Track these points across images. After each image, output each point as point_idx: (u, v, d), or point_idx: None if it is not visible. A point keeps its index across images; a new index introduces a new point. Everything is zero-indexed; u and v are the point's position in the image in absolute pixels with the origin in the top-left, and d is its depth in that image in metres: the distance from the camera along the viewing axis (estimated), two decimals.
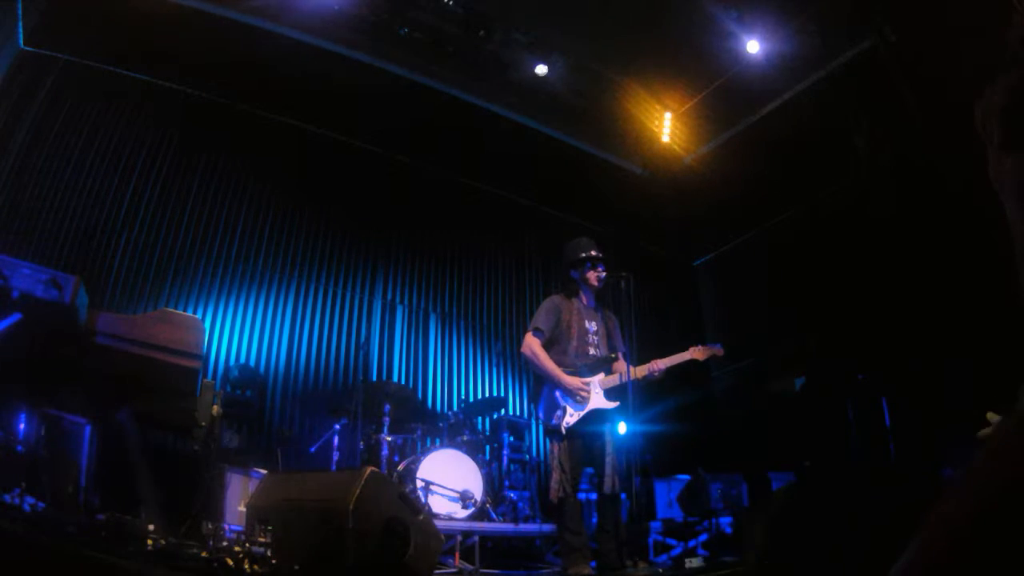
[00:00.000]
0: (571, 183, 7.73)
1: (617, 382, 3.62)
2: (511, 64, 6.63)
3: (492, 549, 4.68)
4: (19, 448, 3.04)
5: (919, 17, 5.43)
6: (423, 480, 4.44)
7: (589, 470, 3.82)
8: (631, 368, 3.62)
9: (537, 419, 3.92)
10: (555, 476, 3.55)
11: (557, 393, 3.66)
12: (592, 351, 3.79)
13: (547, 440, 4.17)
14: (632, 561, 3.60)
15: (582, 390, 3.60)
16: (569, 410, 3.61)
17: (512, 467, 5.43)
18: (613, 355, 3.80)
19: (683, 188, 8.18)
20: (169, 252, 5.47)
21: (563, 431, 3.58)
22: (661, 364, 3.67)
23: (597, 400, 3.63)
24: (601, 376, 3.69)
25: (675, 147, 7.91)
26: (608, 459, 3.58)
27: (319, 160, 6.41)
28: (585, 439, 3.61)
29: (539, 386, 3.79)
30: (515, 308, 7.30)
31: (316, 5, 5.90)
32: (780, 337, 6.60)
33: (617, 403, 3.62)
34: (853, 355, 5.22)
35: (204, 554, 2.94)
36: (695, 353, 3.74)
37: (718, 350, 3.78)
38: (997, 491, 0.80)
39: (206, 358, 5.21)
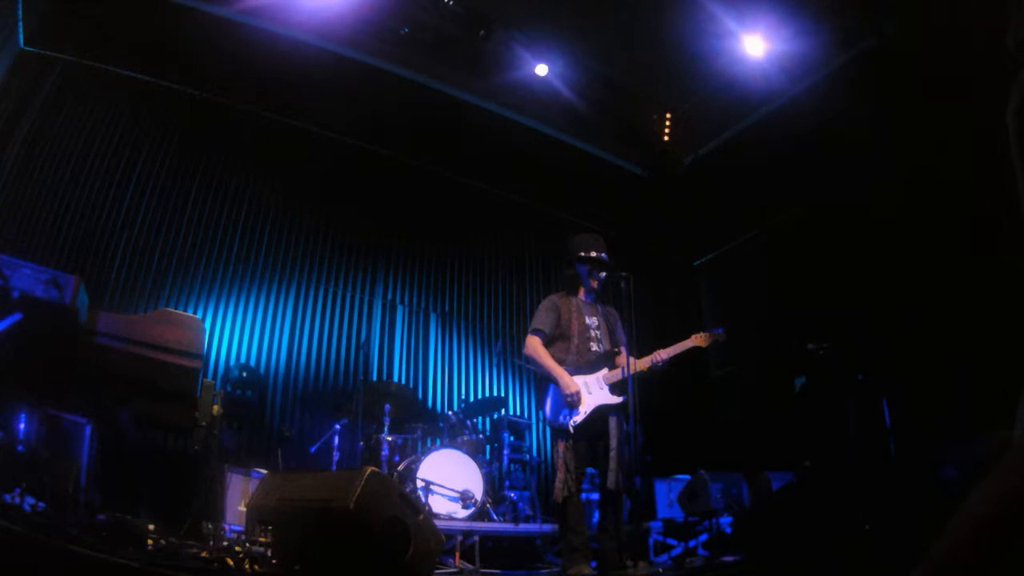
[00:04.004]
0: (571, 183, 7.73)
1: (620, 376, 3.61)
2: (511, 64, 6.63)
3: (492, 549, 4.67)
4: (19, 448, 3.04)
5: (920, 17, 5.43)
6: (423, 480, 4.44)
7: (590, 470, 3.82)
8: (634, 361, 3.61)
9: (543, 419, 3.90)
10: (560, 475, 3.54)
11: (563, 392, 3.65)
12: (594, 346, 3.78)
13: (551, 439, 4.16)
14: (632, 561, 3.59)
15: (574, 396, 3.58)
16: (573, 409, 3.61)
17: (512, 467, 5.43)
18: (616, 349, 3.80)
19: (683, 188, 8.18)
20: (169, 252, 5.47)
21: (570, 430, 3.57)
22: (664, 354, 3.67)
23: (602, 396, 3.62)
24: (605, 371, 3.68)
25: (675, 147, 7.91)
26: (613, 454, 3.56)
27: (319, 160, 6.42)
28: (590, 438, 3.60)
29: (545, 386, 3.78)
30: (515, 308, 7.30)
31: (316, 5, 5.90)
32: (781, 337, 6.60)
33: (622, 398, 3.61)
34: (853, 355, 5.22)
35: (204, 554, 2.94)
36: (697, 340, 3.74)
37: (720, 335, 3.78)
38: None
39: (206, 358, 5.21)
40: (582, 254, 3.88)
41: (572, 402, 3.57)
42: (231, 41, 5.91)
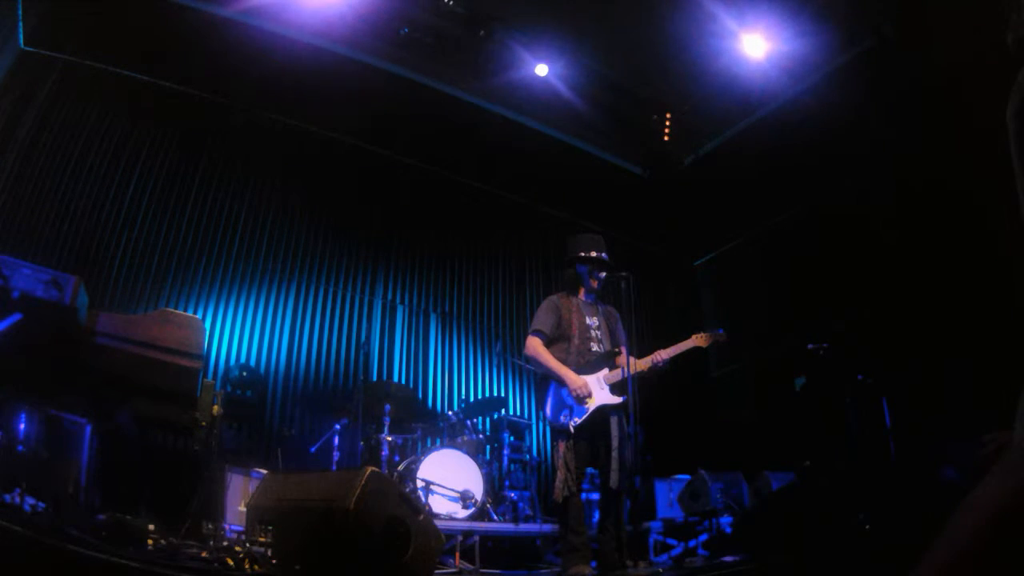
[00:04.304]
0: (571, 183, 7.73)
1: (621, 376, 3.61)
2: (511, 64, 6.63)
3: (492, 549, 4.67)
4: (19, 448, 3.04)
5: (920, 17, 5.43)
6: (423, 480, 4.44)
7: (591, 470, 3.82)
8: (634, 361, 3.61)
9: (543, 419, 3.90)
10: (560, 475, 3.54)
11: (564, 392, 3.65)
12: (595, 347, 3.78)
13: (552, 439, 4.17)
14: (632, 561, 3.59)
15: (583, 389, 3.59)
16: (576, 409, 3.60)
17: (512, 467, 5.43)
18: (616, 349, 3.79)
19: (683, 188, 8.18)
20: (169, 252, 5.47)
21: (571, 430, 3.57)
22: (664, 354, 3.67)
23: (603, 396, 3.61)
24: (605, 372, 3.68)
25: (675, 147, 7.91)
26: (614, 454, 3.56)
27: (319, 160, 6.41)
28: (591, 438, 3.60)
29: (545, 386, 3.78)
30: (515, 308, 7.30)
31: (316, 5, 5.90)
32: (781, 337, 6.60)
33: (623, 398, 3.61)
34: (853, 355, 5.23)
35: (204, 554, 2.94)
36: (698, 340, 3.74)
37: (720, 335, 3.78)
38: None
39: (206, 358, 5.21)
40: (582, 254, 3.89)
41: (582, 397, 3.57)
42: (231, 41, 5.90)
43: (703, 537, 4.92)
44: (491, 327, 7.10)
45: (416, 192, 6.88)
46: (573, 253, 3.92)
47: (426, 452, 4.67)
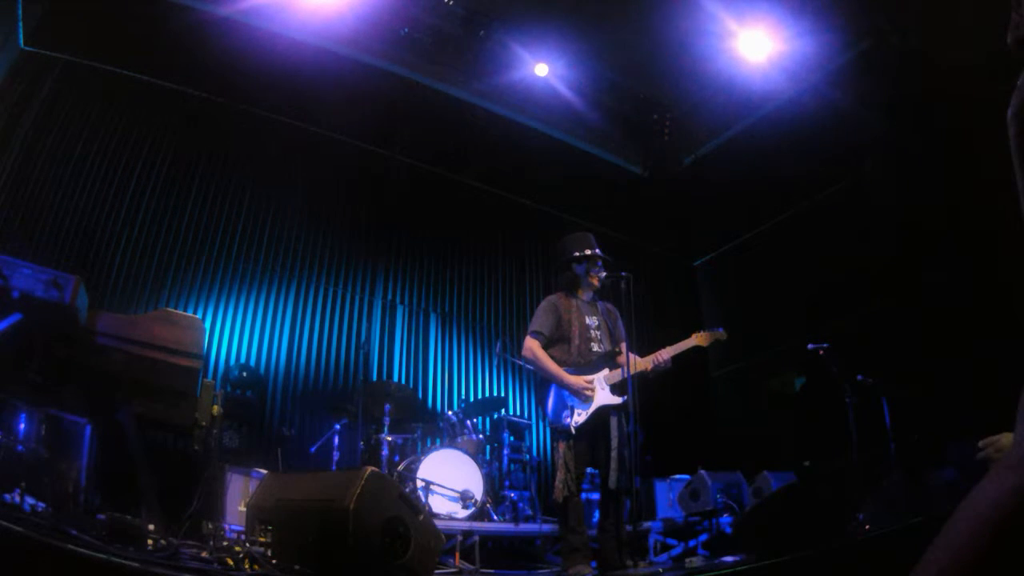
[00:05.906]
0: (571, 183, 7.74)
1: (621, 376, 3.61)
2: (511, 64, 6.64)
3: (492, 549, 4.67)
4: (19, 448, 3.04)
5: (920, 17, 5.44)
6: (423, 480, 4.44)
7: (591, 470, 3.81)
8: (636, 359, 3.60)
9: (543, 419, 3.91)
10: (560, 475, 3.53)
11: (565, 393, 3.64)
12: (595, 347, 3.77)
13: (552, 440, 4.17)
14: (632, 561, 3.59)
15: (586, 389, 3.59)
16: (577, 410, 3.59)
17: (512, 467, 5.43)
18: (616, 349, 3.78)
19: (683, 188, 8.18)
20: (169, 252, 5.47)
21: (572, 431, 3.57)
22: (666, 354, 3.67)
23: (604, 396, 3.61)
24: (606, 372, 3.67)
25: (675, 147, 7.91)
26: (614, 454, 3.56)
27: (319, 160, 6.41)
28: (592, 438, 3.60)
29: (546, 387, 3.77)
30: (515, 308, 7.30)
31: (316, 5, 5.90)
32: (781, 337, 6.60)
33: (623, 398, 3.61)
34: (853, 355, 5.23)
35: (204, 554, 2.94)
36: (698, 339, 3.75)
37: (720, 334, 3.80)
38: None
39: (206, 358, 5.21)
40: (577, 253, 3.88)
41: (587, 396, 3.57)
42: (231, 41, 5.90)
43: (703, 537, 4.92)
44: (491, 327, 7.10)
45: (416, 192, 6.88)
46: (568, 255, 3.91)
47: (426, 452, 4.67)
